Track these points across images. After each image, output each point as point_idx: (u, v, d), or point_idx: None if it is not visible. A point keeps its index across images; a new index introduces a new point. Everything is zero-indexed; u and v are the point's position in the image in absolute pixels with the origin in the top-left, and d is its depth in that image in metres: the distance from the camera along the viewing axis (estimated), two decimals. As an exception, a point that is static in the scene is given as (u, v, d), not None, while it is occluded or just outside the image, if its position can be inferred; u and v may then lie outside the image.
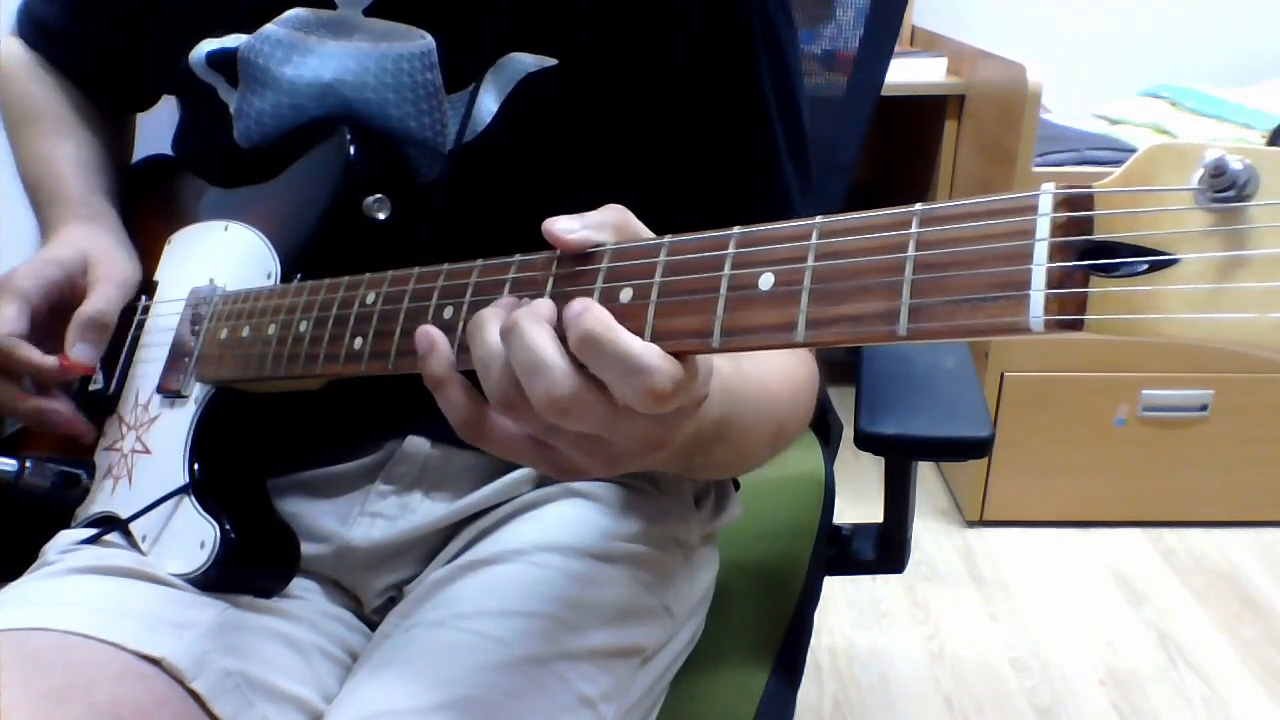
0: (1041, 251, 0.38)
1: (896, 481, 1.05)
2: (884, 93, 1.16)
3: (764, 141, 0.79)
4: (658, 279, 0.50)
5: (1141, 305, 0.35)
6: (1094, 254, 0.37)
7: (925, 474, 2.44)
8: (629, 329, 0.48)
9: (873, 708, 1.75)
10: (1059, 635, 1.92)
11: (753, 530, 1.06)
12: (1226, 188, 0.34)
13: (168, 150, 0.95)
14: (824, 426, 1.25)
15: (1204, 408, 2.12)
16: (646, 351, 0.47)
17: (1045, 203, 0.38)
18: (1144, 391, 2.11)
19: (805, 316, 0.44)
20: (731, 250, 0.48)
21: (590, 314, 0.48)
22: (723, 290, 0.47)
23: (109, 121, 0.99)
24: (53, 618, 0.68)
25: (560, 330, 0.49)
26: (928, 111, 2.30)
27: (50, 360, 0.80)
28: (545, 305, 0.51)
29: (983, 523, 2.24)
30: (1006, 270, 0.38)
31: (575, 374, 0.48)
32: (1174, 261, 0.35)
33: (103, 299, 0.82)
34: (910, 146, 2.49)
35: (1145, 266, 0.36)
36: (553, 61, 0.76)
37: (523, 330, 0.49)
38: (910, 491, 1.05)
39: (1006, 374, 2.11)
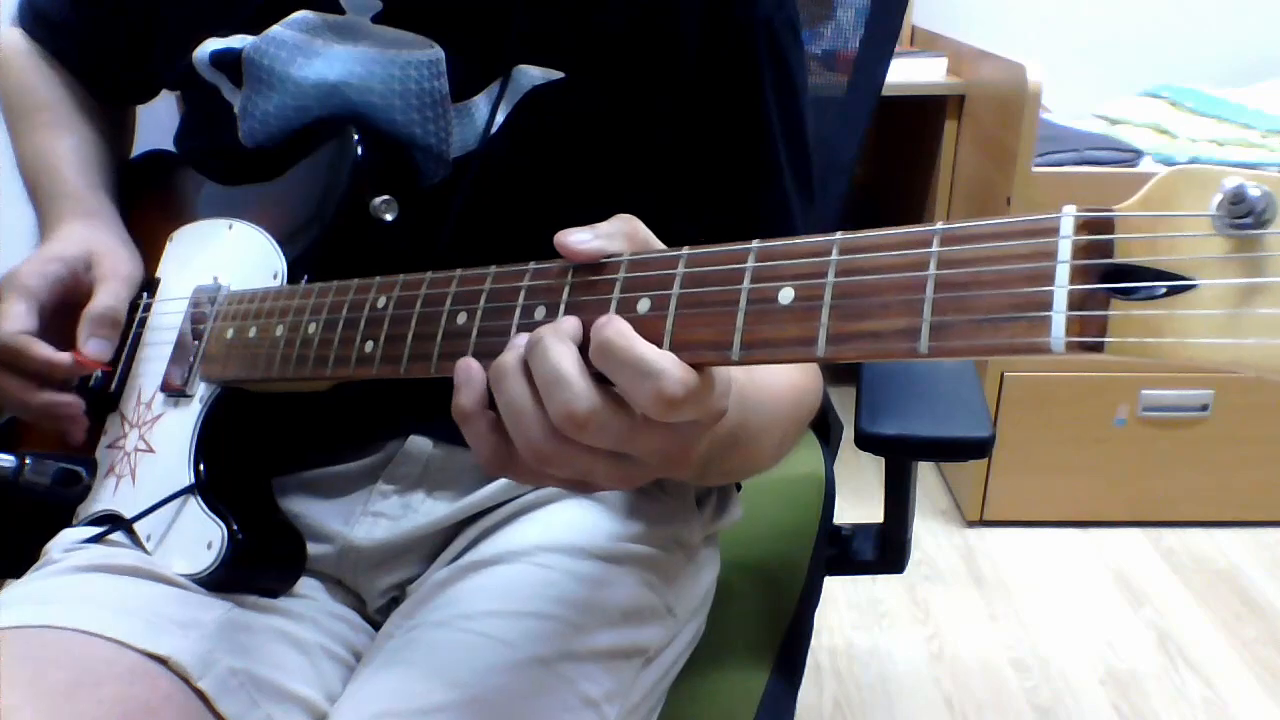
0: (1063, 273, 0.38)
1: (896, 481, 1.05)
2: (884, 93, 1.16)
3: (766, 157, 0.79)
4: (676, 290, 0.50)
5: (1161, 329, 0.36)
6: (1114, 277, 0.37)
7: (925, 474, 2.44)
8: (647, 339, 0.48)
9: (873, 708, 1.75)
10: (1059, 635, 1.92)
11: (753, 530, 1.06)
12: (1245, 214, 0.34)
13: (168, 145, 0.95)
14: (824, 426, 1.25)
15: (1204, 408, 2.12)
16: (661, 357, 0.47)
17: (1067, 225, 0.38)
18: (1144, 391, 2.11)
19: (826, 331, 0.44)
20: (751, 264, 0.48)
21: (610, 326, 0.49)
22: (742, 303, 0.47)
23: (110, 114, 0.99)
24: (59, 615, 0.68)
25: (585, 348, 0.50)
26: (928, 111, 2.30)
27: (64, 356, 0.79)
28: (571, 323, 0.51)
29: (983, 523, 2.24)
30: (1028, 291, 0.39)
31: (594, 390, 0.48)
32: (1192, 286, 0.35)
33: (112, 294, 0.82)
34: (910, 146, 2.49)
35: (1164, 290, 0.36)
36: (560, 75, 0.76)
37: (547, 346, 0.49)
38: (910, 491, 1.05)
39: (1006, 374, 2.11)
